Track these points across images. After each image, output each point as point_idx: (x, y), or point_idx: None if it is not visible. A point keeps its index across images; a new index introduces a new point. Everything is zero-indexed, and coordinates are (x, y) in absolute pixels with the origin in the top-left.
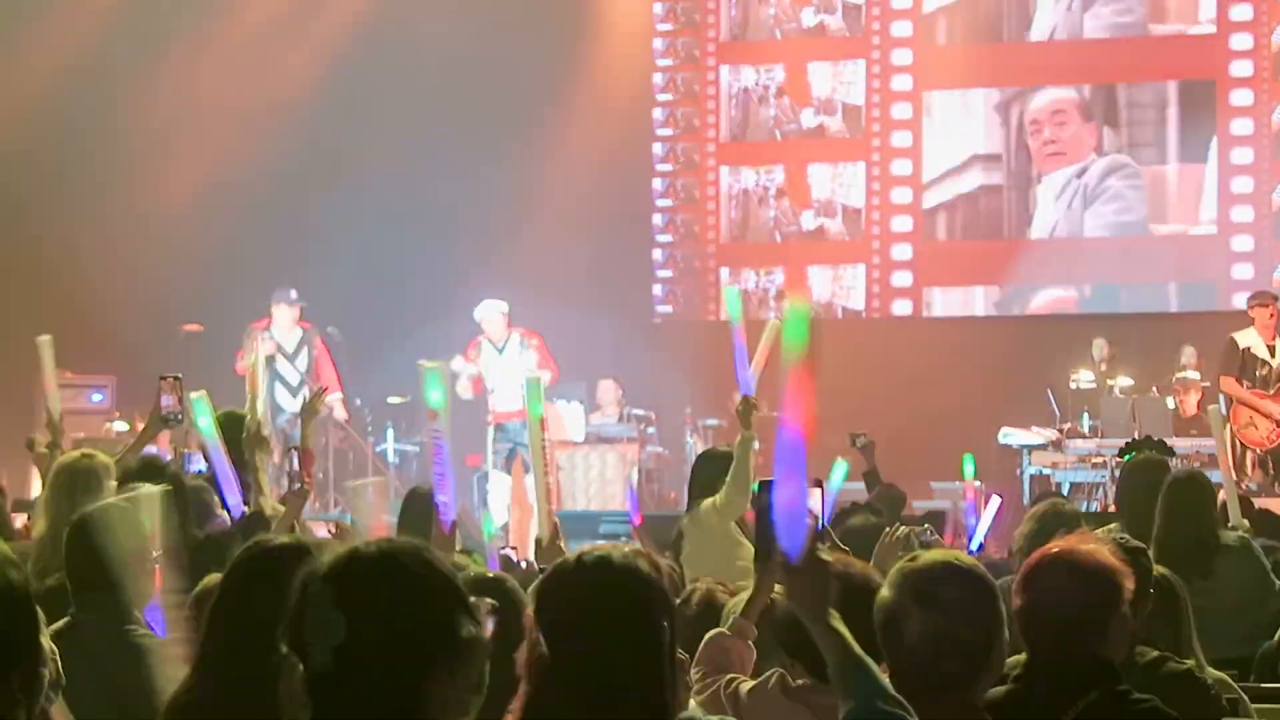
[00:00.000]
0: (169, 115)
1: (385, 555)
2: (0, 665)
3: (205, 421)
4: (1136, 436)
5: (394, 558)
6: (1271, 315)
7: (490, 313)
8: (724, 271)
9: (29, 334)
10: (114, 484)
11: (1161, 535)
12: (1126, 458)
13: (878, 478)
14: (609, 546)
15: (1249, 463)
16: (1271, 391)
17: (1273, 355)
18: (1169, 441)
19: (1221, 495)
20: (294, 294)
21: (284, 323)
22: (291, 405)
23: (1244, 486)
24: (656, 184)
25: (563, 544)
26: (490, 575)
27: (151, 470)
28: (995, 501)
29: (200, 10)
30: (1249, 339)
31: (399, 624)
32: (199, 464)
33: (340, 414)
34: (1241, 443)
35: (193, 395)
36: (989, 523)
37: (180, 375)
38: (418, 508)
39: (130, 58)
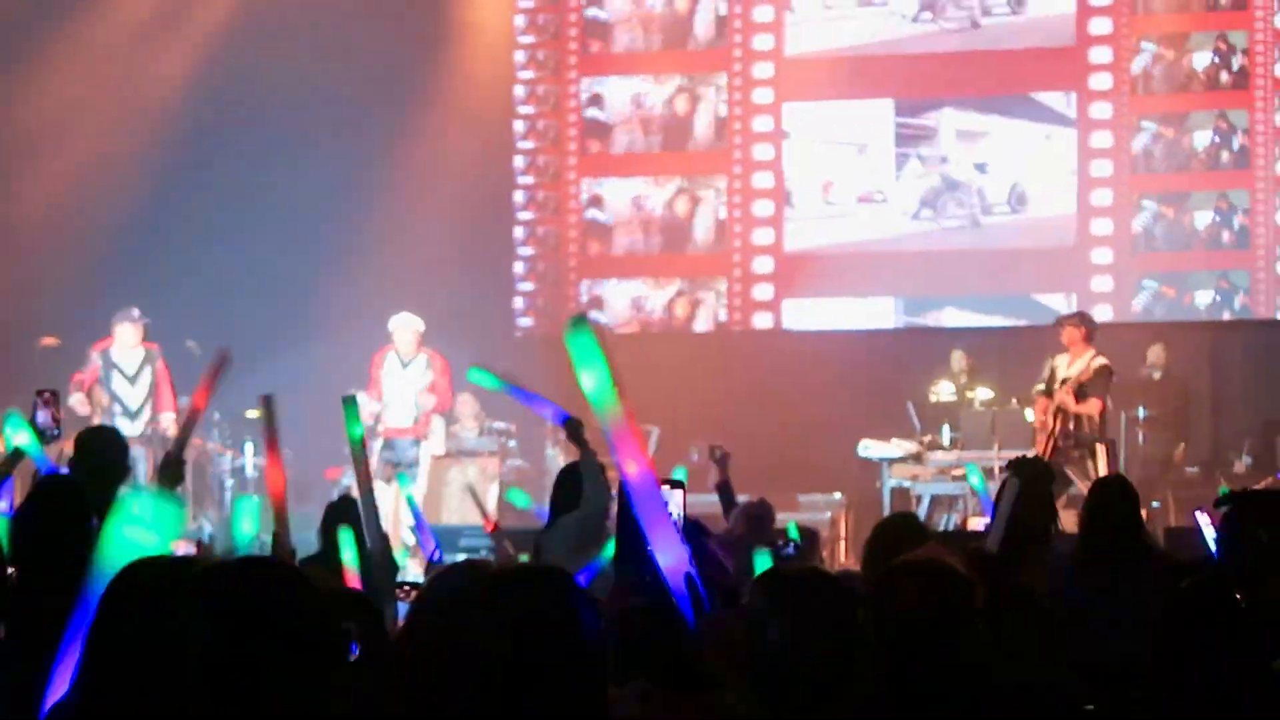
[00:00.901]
0: (26, 122)
1: (250, 569)
2: None
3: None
4: (997, 448)
5: (260, 572)
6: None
7: (402, 327)
8: (584, 284)
9: None
10: None
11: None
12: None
13: (730, 490)
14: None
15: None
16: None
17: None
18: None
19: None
20: (136, 313)
21: (126, 342)
22: (128, 428)
23: None
24: (518, 196)
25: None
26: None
27: None
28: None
29: (62, 13)
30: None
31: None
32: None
33: (172, 432)
34: None
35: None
36: None
37: (56, 390)
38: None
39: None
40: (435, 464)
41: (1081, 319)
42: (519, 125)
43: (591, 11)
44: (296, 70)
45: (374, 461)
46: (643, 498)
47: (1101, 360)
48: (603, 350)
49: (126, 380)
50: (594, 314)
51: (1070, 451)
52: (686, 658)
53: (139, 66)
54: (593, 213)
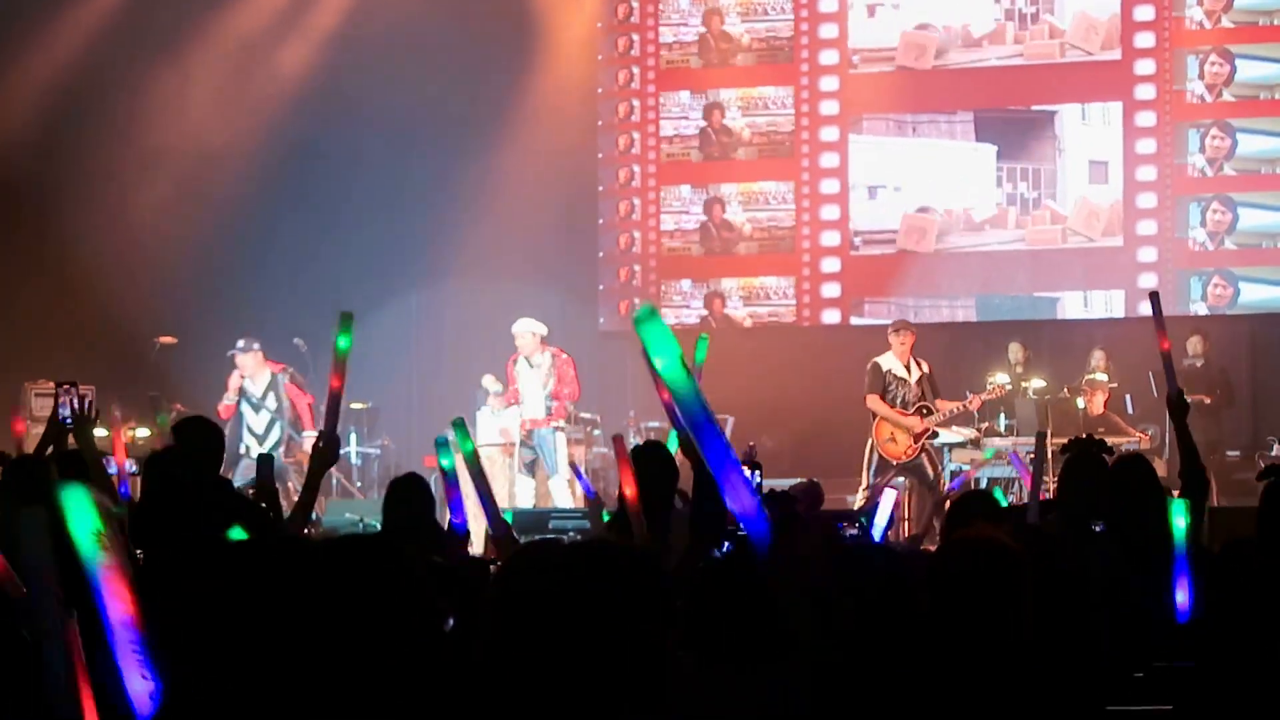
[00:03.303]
0: (151, 131)
1: (350, 547)
2: None
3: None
4: (1050, 436)
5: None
6: (904, 342)
7: (521, 332)
8: (663, 285)
9: (13, 345)
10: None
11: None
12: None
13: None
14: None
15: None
16: (911, 410)
17: (910, 374)
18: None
19: None
20: (241, 343)
21: (250, 370)
22: (255, 450)
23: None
24: (600, 203)
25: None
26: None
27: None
28: (890, 495)
29: (183, 27)
30: (889, 362)
31: (360, 614)
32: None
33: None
34: (882, 455)
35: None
36: (886, 516)
37: (76, 382)
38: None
39: (115, 73)
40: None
41: None
42: (600, 134)
43: (667, 26)
44: (396, 80)
45: (516, 457)
46: (721, 465)
47: None
48: (672, 335)
49: (252, 408)
50: (669, 312)
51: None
52: (755, 621)
53: (250, 77)
54: (670, 217)
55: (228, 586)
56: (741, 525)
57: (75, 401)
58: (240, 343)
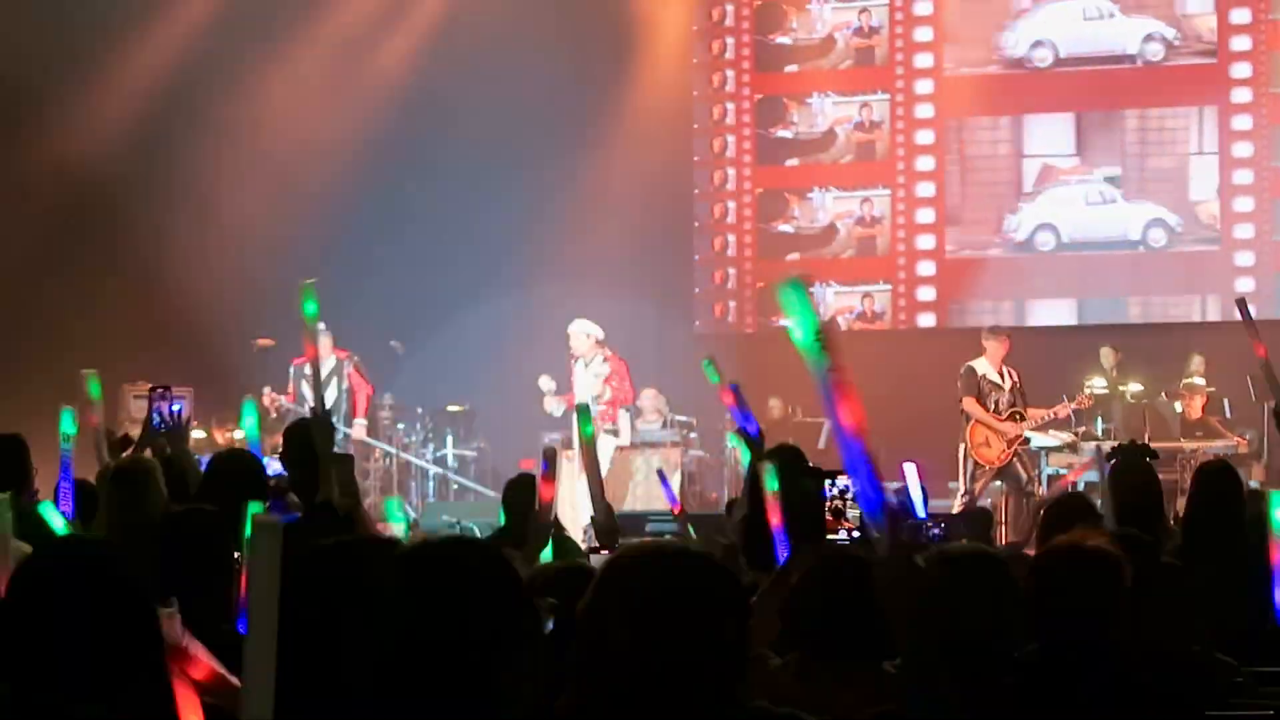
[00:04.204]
0: (245, 137)
1: (452, 547)
2: None
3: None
4: (1147, 439)
5: (460, 550)
6: (1000, 347)
7: (574, 333)
8: (757, 288)
9: (113, 345)
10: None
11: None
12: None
13: None
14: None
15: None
16: (1004, 415)
17: (1003, 380)
18: (1180, 443)
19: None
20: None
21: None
22: None
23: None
24: (696, 206)
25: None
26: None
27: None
28: (911, 468)
29: (283, 32)
30: (984, 367)
31: (462, 613)
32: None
33: (359, 434)
34: (976, 459)
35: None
36: (918, 491)
37: (170, 386)
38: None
39: (207, 82)
40: (620, 454)
41: None
42: (696, 137)
43: (763, 31)
44: (492, 81)
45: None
46: (850, 447)
47: None
48: (812, 306)
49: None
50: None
51: None
52: (862, 622)
53: (345, 78)
54: (764, 220)
55: (328, 586)
56: (868, 520)
57: (168, 407)
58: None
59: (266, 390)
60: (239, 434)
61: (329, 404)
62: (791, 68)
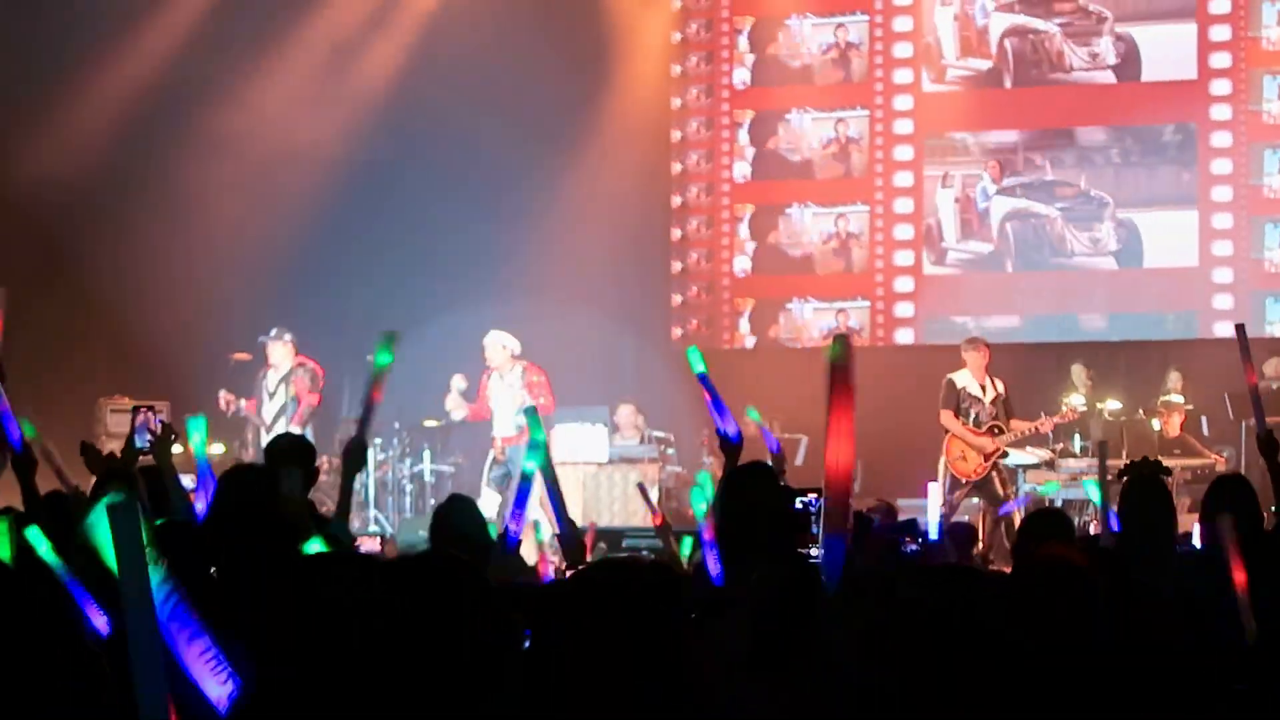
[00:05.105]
0: (222, 149)
1: (430, 564)
2: None
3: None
4: (1125, 456)
5: (439, 567)
6: (979, 358)
7: (489, 343)
8: (735, 302)
9: (89, 361)
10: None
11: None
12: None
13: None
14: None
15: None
16: (983, 429)
17: (985, 393)
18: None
19: None
20: (274, 331)
21: (276, 359)
22: (263, 439)
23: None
24: (673, 219)
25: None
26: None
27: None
28: (934, 488)
29: (253, 49)
30: (964, 379)
31: (441, 627)
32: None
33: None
34: (954, 474)
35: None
36: (936, 510)
37: (153, 405)
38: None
39: (185, 94)
40: (598, 470)
41: None
42: (674, 151)
43: (743, 46)
44: (471, 91)
45: (485, 475)
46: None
47: None
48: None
49: (268, 396)
50: (742, 332)
51: None
52: (815, 639)
53: (323, 94)
54: (742, 234)
55: (308, 602)
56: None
57: (154, 424)
58: (272, 330)
59: (222, 392)
60: (217, 448)
61: (279, 407)
62: (771, 83)
